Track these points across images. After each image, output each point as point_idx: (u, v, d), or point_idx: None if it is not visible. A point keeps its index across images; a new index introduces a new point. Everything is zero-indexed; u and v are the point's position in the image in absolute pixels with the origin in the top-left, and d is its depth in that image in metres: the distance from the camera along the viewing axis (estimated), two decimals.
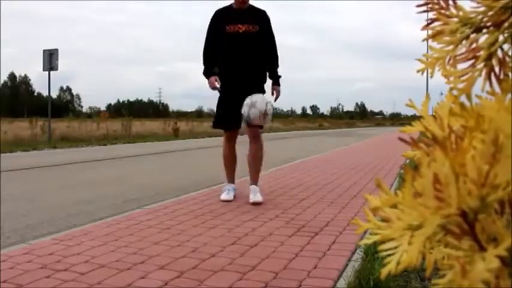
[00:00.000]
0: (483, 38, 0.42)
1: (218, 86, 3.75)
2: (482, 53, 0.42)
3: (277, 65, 3.83)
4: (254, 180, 3.76)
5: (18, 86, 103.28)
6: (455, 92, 0.43)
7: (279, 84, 3.83)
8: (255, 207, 3.47)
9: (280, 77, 3.84)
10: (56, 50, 13.20)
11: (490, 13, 0.42)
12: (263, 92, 3.75)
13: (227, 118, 3.71)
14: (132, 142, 14.55)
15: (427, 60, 0.45)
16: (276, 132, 24.12)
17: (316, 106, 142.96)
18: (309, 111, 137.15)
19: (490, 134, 0.34)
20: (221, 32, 3.67)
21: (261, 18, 3.72)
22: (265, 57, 3.74)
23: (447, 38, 0.43)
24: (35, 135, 14.50)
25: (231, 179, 3.89)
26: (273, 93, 3.81)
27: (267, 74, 3.80)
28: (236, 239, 2.57)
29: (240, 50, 3.64)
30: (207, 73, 3.77)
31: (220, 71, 3.75)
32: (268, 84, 3.83)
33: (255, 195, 3.66)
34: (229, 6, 3.77)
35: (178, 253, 2.31)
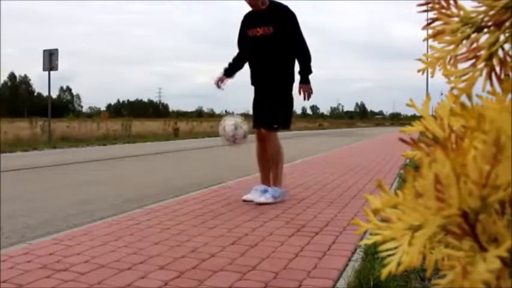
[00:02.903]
0: (484, 38, 0.42)
1: (219, 85, 3.87)
2: (483, 52, 0.41)
3: (305, 61, 3.67)
4: (272, 181, 3.77)
5: (18, 86, 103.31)
6: (455, 92, 0.43)
7: (307, 82, 3.67)
8: (255, 207, 3.46)
9: (308, 73, 3.68)
10: (56, 50, 13.19)
11: (491, 13, 0.41)
12: (284, 95, 3.69)
13: (253, 117, 3.81)
14: (132, 142, 14.54)
15: (428, 60, 0.45)
16: None
17: (316, 106, 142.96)
18: (309, 111, 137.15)
19: (492, 135, 0.34)
20: (245, 35, 3.74)
21: (277, 18, 3.61)
22: (285, 59, 3.65)
23: (448, 38, 0.43)
24: (35, 135, 14.50)
25: (261, 179, 3.84)
26: (300, 93, 3.69)
27: (295, 72, 3.73)
28: (236, 239, 2.57)
29: (259, 54, 3.68)
30: (224, 71, 3.90)
31: (250, 74, 3.84)
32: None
33: (261, 195, 3.64)
34: (252, 10, 3.75)
35: (178, 253, 2.31)
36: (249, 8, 3.76)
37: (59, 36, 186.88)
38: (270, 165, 3.78)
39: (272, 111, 3.65)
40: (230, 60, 3.93)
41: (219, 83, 3.88)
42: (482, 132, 0.35)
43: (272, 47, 3.61)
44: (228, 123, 3.81)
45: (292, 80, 3.72)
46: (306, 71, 3.67)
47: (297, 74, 3.72)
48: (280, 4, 3.70)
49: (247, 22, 3.75)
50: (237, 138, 3.73)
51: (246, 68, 3.88)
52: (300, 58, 3.68)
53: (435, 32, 0.44)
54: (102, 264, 2.13)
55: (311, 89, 3.70)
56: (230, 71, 3.90)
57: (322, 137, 19.89)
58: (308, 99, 3.74)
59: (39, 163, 7.65)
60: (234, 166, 6.93)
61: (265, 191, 3.73)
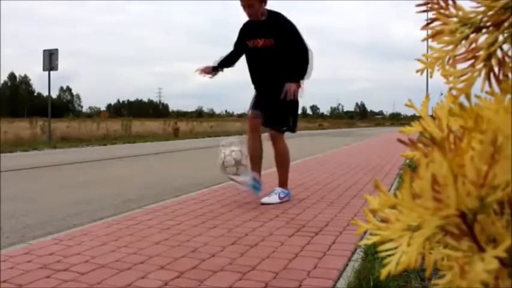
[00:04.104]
0: (483, 38, 0.42)
1: (203, 74, 3.86)
2: (481, 53, 0.41)
3: (298, 63, 3.63)
4: (279, 182, 3.79)
5: (18, 86, 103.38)
6: (454, 92, 0.43)
7: (293, 81, 3.59)
8: (255, 207, 3.46)
9: (300, 74, 3.63)
10: (56, 50, 13.19)
11: (490, 13, 0.41)
12: (290, 101, 3.66)
13: (254, 103, 3.81)
14: (132, 142, 14.54)
15: (427, 60, 0.45)
16: None
17: (316, 106, 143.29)
18: (309, 111, 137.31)
19: (489, 135, 0.34)
20: (244, 45, 3.77)
21: (277, 29, 3.63)
22: (288, 68, 3.67)
23: (447, 38, 0.43)
24: (35, 135, 14.50)
25: (251, 166, 3.79)
26: (284, 88, 3.61)
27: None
28: (236, 239, 2.57)
29: (260, 64, 3.73)
30: (214, 64, 3.90)
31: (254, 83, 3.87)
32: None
33: (268, 196, 3.68)
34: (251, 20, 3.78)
35: (178, 253, 2.31)
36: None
37: (59, 36, 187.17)
38: (261, 158, 3.79)
39: (280, 114, 3.68)
40: (223, 55, 3.94)
41: (203, 72, 3.87)
42: (480, 132, 0.35)
43: (274, 58, 3.64)
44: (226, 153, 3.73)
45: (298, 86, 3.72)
46: (298, 71, 3.64)
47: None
48: (279, 14, 3.72)
49: (247, 32, 3.79)
50: (227, 167, 3.69)
51: (245, 69, 3.89)
52: (296, 59, 3.67)
53: (434, 32, 0.44)
54: (102, 264, 2.13)
55: (296, 91, 3.60)
56: (220, 65, 3.91)
57: (322, 137, 19.88)
58: (287, 97, 3.56)
59: (39, 163, 7.65)
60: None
61: (255, 186, 3.72)
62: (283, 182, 3.78)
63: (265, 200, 3.62)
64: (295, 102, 3.73)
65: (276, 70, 3.66)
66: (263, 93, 3.82)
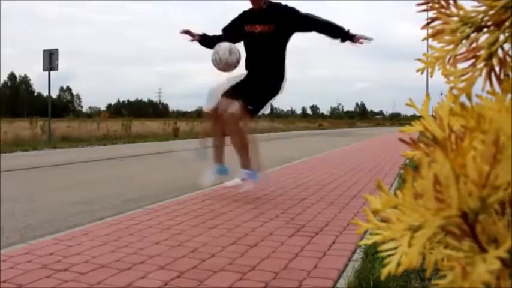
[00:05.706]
0: (483, 38, 0.42)
1: (185, 34, 3.98)
2: (482, 52, 0.41)
3: (334, 27, 3.81)
4: (240, 164, 3.84)
5: (18, 86, 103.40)
6: (455, 92, 0.43)
7: (353, 35, 3.76)
8: (255, 207, 3.46)
9: (345, 31, 3.77)
10: (56, 50, 13.20)
11: (491, 12, 0.41)
12: (271, 86, 3.81)
13: (228, 89, 3.85)
14: (132, 142, 14.54)
15: (427, 59, 0.45)
16: (276, 132, 24.12)
17: (316, 106, 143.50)
18: (309, 111, 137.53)
19: (491, 135, 0.34)
20: (241, 30, 3.85)
21: (277, 14, 3.76)
22: (279, 56, 3.81)
23: (447, 37, 0.43)
24: (35, 135, 14.49)
25: (215, 159, 3.95)
26: (358, 42, 3.76)
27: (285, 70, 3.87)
28: (236, 239, 2.57)
29: (255, 50, 3.81)
30: (201, 35, 4.01)
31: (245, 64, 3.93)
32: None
33: (233, 180, 3.79)
34: (252, 8, 3.90)
35: (178, 253, 2.31)
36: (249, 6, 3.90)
37: (59, 36, 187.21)
38: (223, 144, 3.89)
39: (255, 93, 3.75)
40: (210, 34, 4.03)
41: (188, 35, 3.98)
42: (482, 133, 0.35)
43: (268, 44, 3.74)
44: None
45: (283, 77, 3.85)
46: (344, 31, 3.78)
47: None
48: (281, 4, 3.85)
49: (246, 18, 3.89)
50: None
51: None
52: (329, 27, 3.83)
53: (435, 32, 0.44)
54: (102, 264, 2.13)
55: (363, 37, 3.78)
56: (204, 41, 4.00)
57: (322, 137, 19.87)
58: (369, 39, 3.80)
59: (39, 163, 7.64)
60: (233, 166, 6.92)
61: (221, 171, 3.86)
62: (244, 164, 3.77)
63: (228, 183, 3.76)
64: (271, 90, 3.82)
65: (269, 56, 3.77)
66: (251, 73, 3.88)
